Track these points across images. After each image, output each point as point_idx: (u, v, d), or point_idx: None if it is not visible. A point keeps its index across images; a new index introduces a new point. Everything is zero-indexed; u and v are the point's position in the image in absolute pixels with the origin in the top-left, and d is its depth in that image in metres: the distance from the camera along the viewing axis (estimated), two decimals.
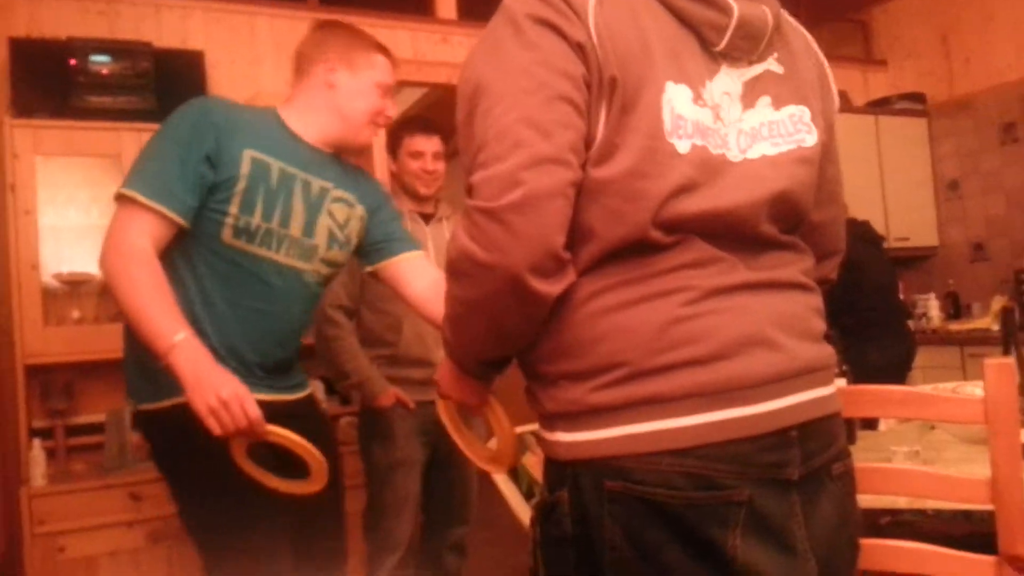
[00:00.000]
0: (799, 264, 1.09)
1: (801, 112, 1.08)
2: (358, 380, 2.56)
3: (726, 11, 1.00)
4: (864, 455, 1.83)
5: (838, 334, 2.59)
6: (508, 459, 1.43)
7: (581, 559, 0.98)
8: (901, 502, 1.52)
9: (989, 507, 1.27)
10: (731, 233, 1.01)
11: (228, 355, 1.66)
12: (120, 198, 1.62)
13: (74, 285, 3.02)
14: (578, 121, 0.94)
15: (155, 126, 2.91)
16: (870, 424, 2.18)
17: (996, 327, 4.14)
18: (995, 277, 4.63)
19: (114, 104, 3.01)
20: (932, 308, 4.64)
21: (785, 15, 1.10)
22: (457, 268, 0.97)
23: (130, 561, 2.77)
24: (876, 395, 1.35)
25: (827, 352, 1.08)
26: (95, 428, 3.04)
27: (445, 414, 1.42)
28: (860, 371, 2.24)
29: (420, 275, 1.88)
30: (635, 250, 0.98)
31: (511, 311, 0.96)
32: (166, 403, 1.64)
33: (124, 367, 1.77)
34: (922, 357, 3.89)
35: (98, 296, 3.09)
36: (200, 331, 1.59)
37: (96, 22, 3.30)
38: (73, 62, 2.97)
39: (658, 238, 0.97)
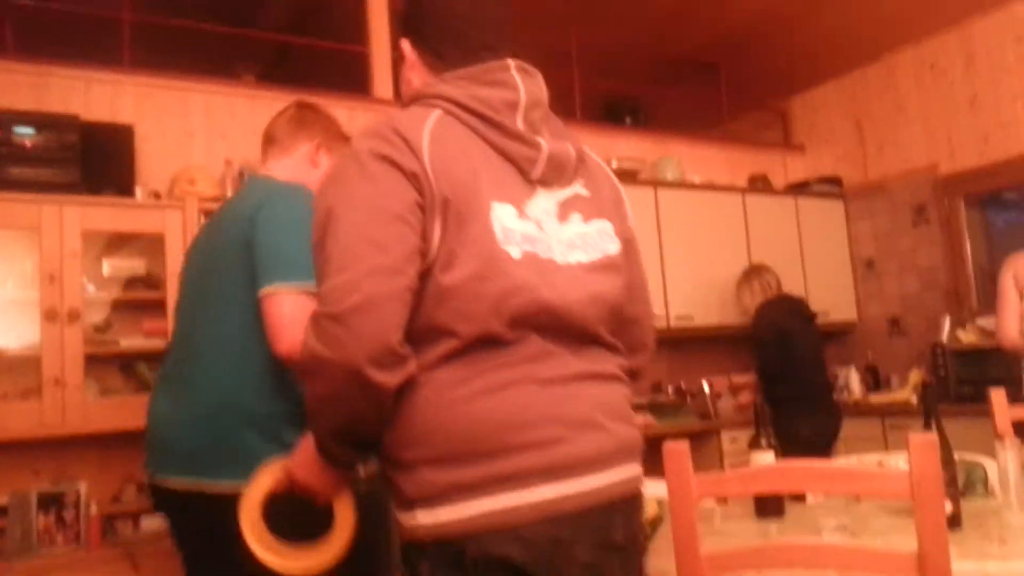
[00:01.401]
0: (616, 360, 1.30)
1: (604, 226, 1.30)
2: None
3: (537, 148, 1.23)
4: (794, 528, 1.83)
5: (769, 406, 2.61)
6: (339, 553, 1.42)
7: None
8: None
9: None
10: (565, 330, 1.20)
11: None
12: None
13: None
14: (412, 237, 1.11)
15: (79, 198, 2.91)
16: (798, 496, 2.20)
17: (915, 399, 4.28)
18: (912, 350, 4.81)
19: (36, 176, 2.94)
20: (853, 380, 4.78)
21: (586, 149, 1.34)
22: (307, 367, 1.11)
23: None
24: (806, 471, 1.36)
25: (637, 434, 1.28)
26: None
27: (248, 520, 1.40)
28: (789, 443, 2.27)
29: None
30: (483, 345, 1.14)
31: (357, 400, 1.09)
32: None
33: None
34: (844, 428, 3.98)
35: (9, 372, 2.95)
36: None
37: (25, 93, 3.25)
38: None
39: (502, 333, 1.14)
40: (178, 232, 3.13)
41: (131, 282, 3.19)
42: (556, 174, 1.26)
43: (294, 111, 2.00)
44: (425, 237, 1.12)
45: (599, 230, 1.29)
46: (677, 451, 1.39)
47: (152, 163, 3.39)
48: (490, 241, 1.14)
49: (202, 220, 3.21)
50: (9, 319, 3.01)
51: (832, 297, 4.99)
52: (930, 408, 1.77)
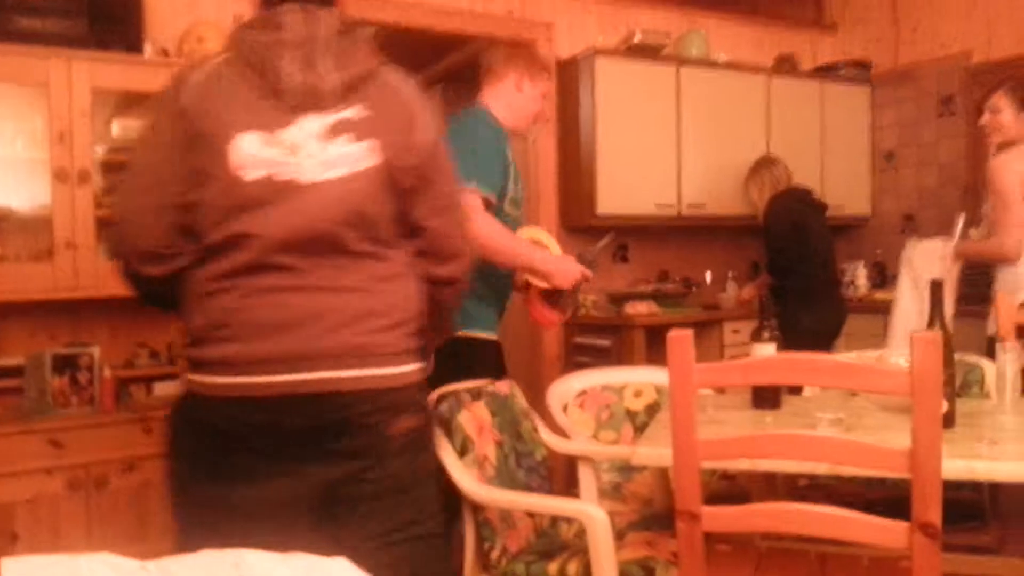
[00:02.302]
0: (368, 271, 1.48)
1: (374, 144, 1.46)
2: None
3: (290, 80, 1.44)
4: (790, 420, 1.87)
5: (775, 298, 2.63)
6: None
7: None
8: (821, 468, 1.57)
9: (906, 475, 1.31)
10: (308, 244, 1.42)
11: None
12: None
13: None
14: (169, 165, 1.44)
15: (88, 53, 2.83)
16: (795, 389, 2.24)
17: None
18: None
19: (44, 27, 2.85)
20: (860, 276, 4.77)
21: (389, 78, 1.54)
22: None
23: (49, 508, 2.71)
24: (808, 364, 1.38)
25: (359, 343, 1.45)
26: (14, 371, 2.93)
27: None
28: (792, 335, 2.29)
29: None
30: (212, 254, 1.42)
31: (133, 285, 1.53)
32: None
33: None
34: (848, 324, 4.00)
35: (21, 232, 2.96)
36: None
37: None
38: None
39: (223, 244, 1.41)
40: None
41: None
42: (313, 101, 1.44)
43: (503, 48, 2.64)
44: (188, 163, 1.42)
45: (368, 147, 1.46)
46: (680, 339, 1.40)
47: (159, 16, 3.28)
48: (226, 166, 1.40)
49: None
50: (20, 179, 3.00)
51: (848, 190, 4.92)
52: (936, 307, 1.77)
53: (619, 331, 3.97)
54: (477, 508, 1.95)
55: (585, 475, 2.33)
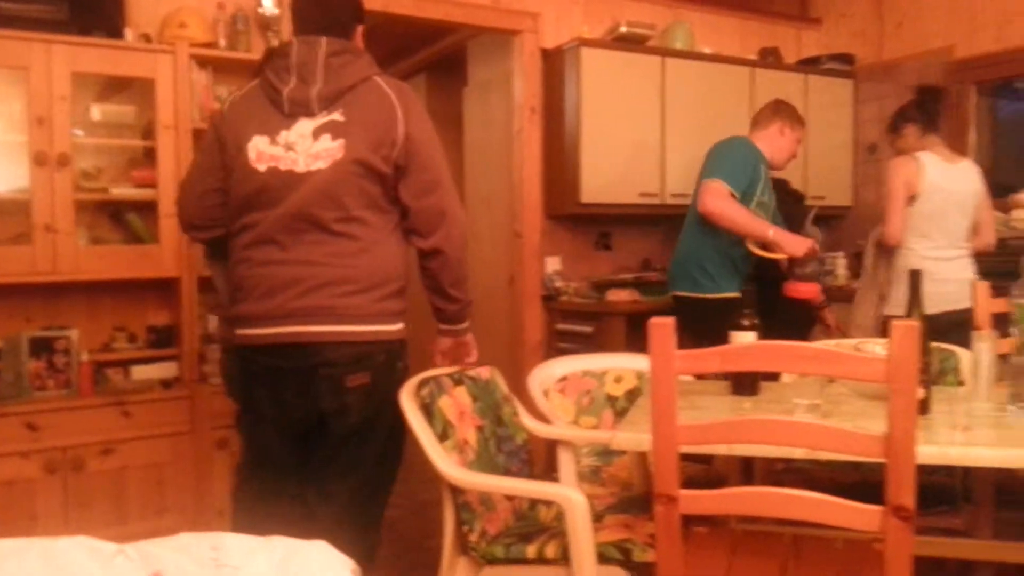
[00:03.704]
0: (342, 246, 1.89)
1: (348, 142, 1.88)
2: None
3: (281, 94, 1.92)
4: (768, 406, 1.89)
5: (756, 287, 2.68)
6: None
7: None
8: (798, 452, 1.58)
9: (881, 460, 1.33)
10: (292, 218, 1.88)
11: None
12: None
13: None
14: (209, 163, 2.03)
15: (68, 38, 2.80)
16: (773, 375, 2.26)
17: None
18: None
19: (25, 12, 2.82)
20: (839, 266, 4.80)
21: (377, 86, 1.95)
22: None
23: (25, 492, 2.70)
24: (786, 351, 1.39)
25: (328, 304, 1.87)
26: None
27: None
28: (770, 323, 2.31)
29: None
30: (238, 232, 1.97)
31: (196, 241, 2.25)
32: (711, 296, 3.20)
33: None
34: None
35: (1, 214, 2.93)
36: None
37: None
38: None
39: (245, 224, 1.95)
40: (169, 78, 3.04)
41: (121, 129, 3.13)
42: (304, 109, 1.90)
43: (771, 104, 3.42)
44: (221, 160, 1.98)
45: (342, 144, 1.88)
46: (661, 326, 1.41)
47: (142, 3, 3.24)
48: (242, 165, 1.92)
49: (194, 67, 3.12)
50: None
51: (829, 182, 4.94)
52: (914, 295, 1.79)
53: (601, 318, 3.99)
54: (457, 491, 1.96)
55: (565, 459, 2.35)
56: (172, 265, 3.06)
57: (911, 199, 3.20)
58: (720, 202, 3.04)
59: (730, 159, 3.17)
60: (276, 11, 3.38)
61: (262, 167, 1.89)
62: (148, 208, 3.09)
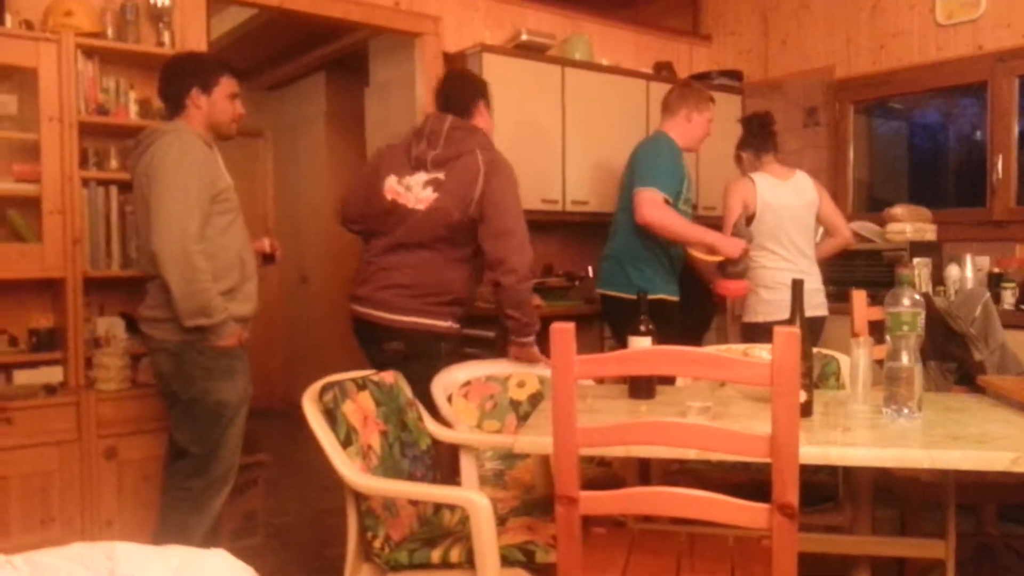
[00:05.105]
0: (439, 258, 2.76)
1: (441, 195, 2.71)
2: (222, 318, 2.42)
3: (410, 152, 2.81)
4: (663, 409, 1.97)
5: (681, 287, 3.03)
6: None
7: None
8: (691, 453, 1.66)
9: (767, 460, 1.41)
10: (406, 236, 2.75)
11: None
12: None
13: None
14: (364, 189, 2.95)
15: None
16: (668, 379, 2.35)
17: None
18: None
19: None
20: None
21: (473, 155, 2.73)
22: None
23: None
24: (680, 356, 1.45)
25: (387, 298, 2.75)
26: None
27: None
28: (665, 330, 2.40)
29: None
30: (368, 238, 2.90)
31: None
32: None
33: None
34: (715, 320, 4.20)
35: None
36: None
37: None
38: None
39: (373, 232, 2.86)
40: (53, 68, 2.89)
41: (1, 120, 2.96)
42: (422, 165, 2.75)
43: (678, 88, 3.53)
44: (370, 186, 2.86)
45: (438, 197, 2.71)
46: (562, 331, 1.45)
47: None
48: (379, 191, 2.80)
49: (80, 57, 2.98)
50: None
51: (719, 193, 5.12)
52: (796, 304, 1.90)
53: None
54: (360, 497, 1.95)
55: (467, 463, 2.37)
56: (56, 265, 2.91)
57: (750, 218, 3.45)
58: (658, 212, 3.15)
59: (658, 165, 3.26)
60: (168, 2, 3.26)
61: (389, 197, 2.76)
62: (30, 204, 2.93)
